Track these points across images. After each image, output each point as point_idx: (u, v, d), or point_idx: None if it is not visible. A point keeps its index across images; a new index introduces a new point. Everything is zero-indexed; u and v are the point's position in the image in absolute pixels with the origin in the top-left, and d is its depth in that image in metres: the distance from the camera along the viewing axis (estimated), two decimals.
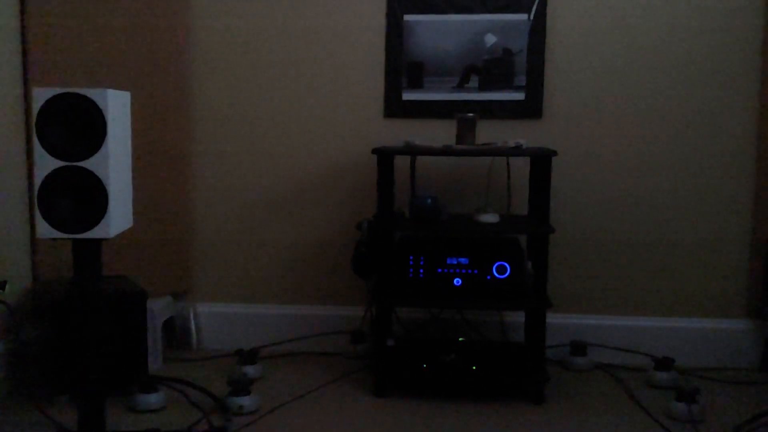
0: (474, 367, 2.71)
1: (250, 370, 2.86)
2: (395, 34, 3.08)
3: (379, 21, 3.09)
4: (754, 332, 3.03)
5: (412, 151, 2.78)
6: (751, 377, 2.94)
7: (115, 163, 1.98)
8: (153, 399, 2.57)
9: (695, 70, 3.00)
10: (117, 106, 2.00)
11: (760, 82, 2.96)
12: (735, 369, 3.02)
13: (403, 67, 3.09)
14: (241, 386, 2.56)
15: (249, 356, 2.91)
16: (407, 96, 3.11)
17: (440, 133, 3.05)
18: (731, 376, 2.95)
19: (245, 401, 2.54)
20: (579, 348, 3.03)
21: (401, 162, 3.01)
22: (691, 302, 3.09)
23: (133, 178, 2.18)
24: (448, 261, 2.72)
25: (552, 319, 3.00)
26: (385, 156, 2.75)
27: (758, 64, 2.96)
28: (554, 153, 2.65)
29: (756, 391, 2.81)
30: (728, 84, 2.99)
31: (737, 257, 3.05)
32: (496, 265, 2.70)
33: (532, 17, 3.02)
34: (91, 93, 1.93)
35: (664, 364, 2.86)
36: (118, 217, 2.01)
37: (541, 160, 2.69)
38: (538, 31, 3.02)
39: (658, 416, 2.54)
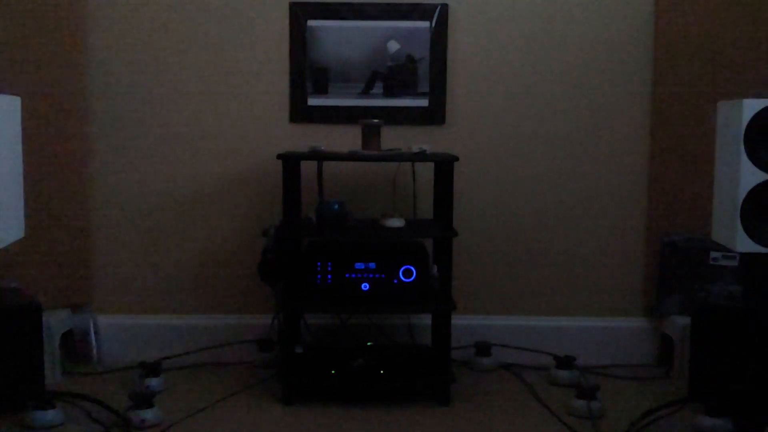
0: (382, 371, 2.73)
1: (153, 382, 2.79)
2: (299, 39, 3.07)
3: (283, 26, 3.07)
4: (650, 329, 3.16)
5: (318, 156, 2.77)
6: (648, 373, 3.06)
7: (2, 170, 1.90)
8: (50, 415, 2.47)
9: (591, 75, 3.10)
10: (5, 112, 1.92)
11: (652, 83, 3.09)
12: (633, 365, 3.13)
13: (307, 73, 3.09)
14: (143, 399, 2.50)
15: (152, 368, 2.84)
16: (313, 101, 3.10)
17: (346, 138, 3.05)
18: (629, 372, 3.06)
19: (147, 414, 2.47)
20: (483, 348, 3.08)
21: (307, 167, 3.00)
22: (591, 302, 3.19)
23: (26, 186, 2.11)
24: (356, 266, 2.72)
25: (457, 320, 3.04)
26: (290, 161, 2.73)
27: (650, 65, 3.08)
28: (456, 158, 2.69)
29: (652, 386, 2.92)
30: (622, 86, 3.11)
31: (632, 258, 3.17)
32: (402, 269, 2.72)
33: (434, 24, 3.06)
34: None
35: (565, 362, 2.94)
36: (7, 226, 1.94)
37: (444, 166, 2.72)
38: (440, 38, 3.07)
39: (560, 414, 2.62)
